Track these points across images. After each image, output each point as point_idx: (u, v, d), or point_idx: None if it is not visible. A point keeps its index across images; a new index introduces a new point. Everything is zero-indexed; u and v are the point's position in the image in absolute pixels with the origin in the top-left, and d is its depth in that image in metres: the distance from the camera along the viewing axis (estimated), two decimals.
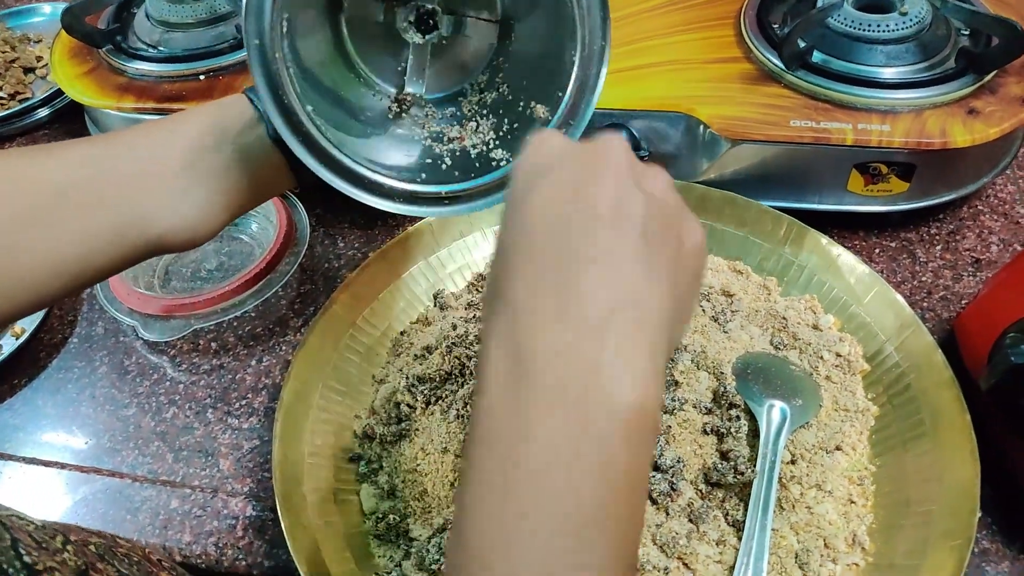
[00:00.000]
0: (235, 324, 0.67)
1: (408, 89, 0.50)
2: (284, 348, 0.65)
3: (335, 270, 0.71)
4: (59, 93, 0.86)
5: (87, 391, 0.64)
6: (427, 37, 0.48)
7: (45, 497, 0.58)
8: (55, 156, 0.42)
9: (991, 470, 0.49)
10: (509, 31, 0.50)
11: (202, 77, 0.73)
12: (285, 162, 0.45)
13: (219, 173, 0.43)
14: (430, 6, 0.48)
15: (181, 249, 0.44)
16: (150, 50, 0.76)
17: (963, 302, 0.64)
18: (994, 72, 0.64)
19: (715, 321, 0.59)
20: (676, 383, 0.54)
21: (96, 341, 0.67)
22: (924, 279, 0.66)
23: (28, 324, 0.67)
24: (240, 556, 0.54)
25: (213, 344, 0.66)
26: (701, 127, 0.64)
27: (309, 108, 0.42)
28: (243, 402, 0.62)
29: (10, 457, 0.60)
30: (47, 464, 0.60)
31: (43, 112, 0.87)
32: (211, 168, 0.43)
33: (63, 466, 0.59)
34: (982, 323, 0.55)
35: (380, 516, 0.51)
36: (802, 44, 0.66)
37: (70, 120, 0.87)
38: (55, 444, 0.61)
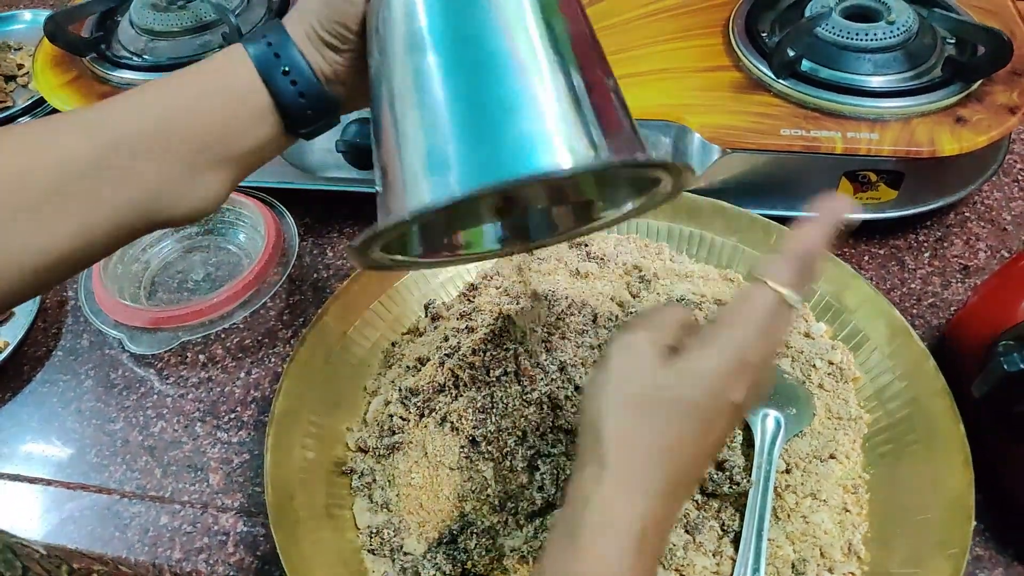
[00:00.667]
0: (223, 336, 0.66)
1: None
2: (273, 360, 0.65)
3: (324, 280, 0.70)
4: (41, 102, 0.85)
5: (73, 405, 0.63)
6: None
7: (31, 515, 0.57)
8: (50, 147, 0.40)
9: (983, 476, 0.49)
10: None
11: None
12: (294, 140, 0.44)
13: (228, 162, 0.42)
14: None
15: (182, 225, 0.48)
16: (135, 59, 0.75)
17: (952, 309, 0.64)
18: (980, 81, 0.65)
19: None
20: None
21: (81, 354, 0.66)
22: (913, 286, 0.66)
23: (12, 337, 0.66)
24: (232, 573, 0.53)
25: (201, 357, 0.65)
26: (691, 136, 0.64)
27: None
28: (232, 415, 0.61)
29: None
30: (32, 480, 0.59)
31: (24, 121, 0.85)
32: (221, 158, 0.42)
33: (49, 482, 0.58)
34: (972, 330, 0.55)
35: (374, 531, 0.51)
36: (791, 53, 0.66)
37: None
38: (40, 459, 0.60)
